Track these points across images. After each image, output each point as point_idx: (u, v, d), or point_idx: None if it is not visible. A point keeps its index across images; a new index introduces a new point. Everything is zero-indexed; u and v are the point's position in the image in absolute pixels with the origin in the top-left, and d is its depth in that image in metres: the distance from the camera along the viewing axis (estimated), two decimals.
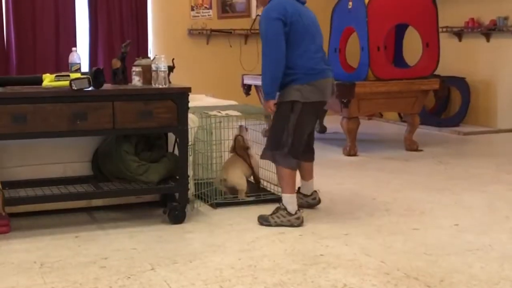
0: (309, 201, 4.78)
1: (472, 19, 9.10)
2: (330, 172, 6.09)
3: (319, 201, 4.82)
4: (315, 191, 4.82)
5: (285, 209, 4.34)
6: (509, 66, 8.76)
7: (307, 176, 4.77)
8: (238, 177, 4.98)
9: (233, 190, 5.02)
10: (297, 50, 4.31)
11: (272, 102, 4.35)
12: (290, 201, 4.35)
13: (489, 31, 8.90)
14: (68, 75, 4.25)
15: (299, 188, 4.75)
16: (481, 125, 9.08)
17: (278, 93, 4.38)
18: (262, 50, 4.40)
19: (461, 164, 6.58)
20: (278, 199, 4.98)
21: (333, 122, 8.33)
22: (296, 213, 4.34)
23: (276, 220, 4.33)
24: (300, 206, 4.50)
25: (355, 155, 7.03)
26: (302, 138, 4.38)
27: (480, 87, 9.15)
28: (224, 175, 4.97)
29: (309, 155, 4.68)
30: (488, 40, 9.02)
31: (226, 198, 4.91)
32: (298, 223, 4.31)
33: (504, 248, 3.89)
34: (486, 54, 9.06)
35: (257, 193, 5.06)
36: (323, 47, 4.54)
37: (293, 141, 4.30)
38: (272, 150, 4.39)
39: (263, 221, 4.36)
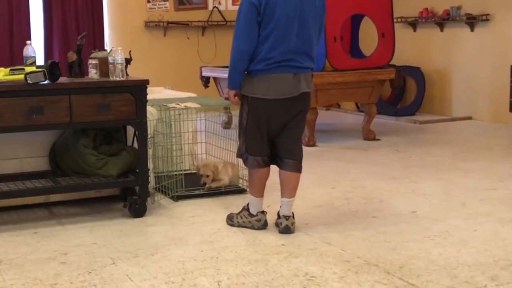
0: (277, 224, 4.10)
1: (426, 9, 9.23)
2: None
3: (284, 229, 4.01)
4: (285, 216, 4.04)
5: (248, 209, 4.13)
6: (463, 55, 8.92)
7: (282, 189, 4.09)
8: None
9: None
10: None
11: (232, 93, 4.00)
12: (252, 202, 4.10)
13: (443, 20, 9.04)
14: (23, 69, 4.18)
15: None
16: (436, 114, 9.23)
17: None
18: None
19: (418, 152, 6.68)
20: (239, 191, 5.01)
21: None
22: (257, 214, 4.09)
23: (238, 220, 4.14)
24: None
25: (314, 145, 7.08)
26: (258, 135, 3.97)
27: (435, 76, 9.30)
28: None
29: (280, 162, 4.05)
30: (442, 30, 9.16)
31: (188, 190, 4.89)
32: (258, 225, 4.07)
33: (461, 234, 3.97)
34: (440, 43, 9.20)
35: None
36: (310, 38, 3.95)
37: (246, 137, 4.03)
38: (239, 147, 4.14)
39: (229, 219, 4.21)
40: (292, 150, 4.04)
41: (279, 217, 4.10)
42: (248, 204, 4.14)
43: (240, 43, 3.86)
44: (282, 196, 4.09)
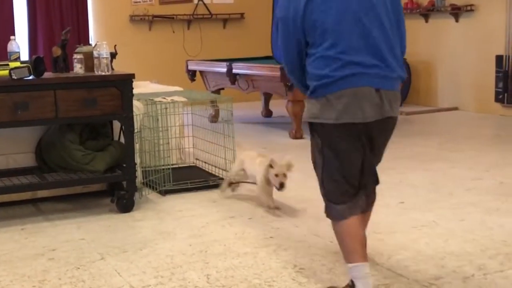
0: None
1: (411, 0, 9.25)
2: (277, 156, 6.10)
3: None
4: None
5: (353, 286, 2.85)
6: (447, 46, 8.95)
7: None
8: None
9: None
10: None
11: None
12: (355, 274, 2.82)
13: (427, 11, 9.06)
14: (7, 64, 4.15)
15: None
16: (422, 105, 9.27)
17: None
18: None
19: (405, 143, 6.70)
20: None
21: (278, 106, 8.36)
22: None
23: None
24: None
25: (301, 138, 7.08)
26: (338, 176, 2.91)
27: (420, 67, 9.33)
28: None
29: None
30: (426, 21, 9.18)
31: (175, 185, 4.88)
32: None
33: (448, 224, 4.00)
34: (425, 34, 9.23)
35: (205, 178, 5.06)
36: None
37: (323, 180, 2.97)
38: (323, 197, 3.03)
39: None
40: (371, 196, 3.15)
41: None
42: (351, 281, 2.88)
43: (284, 57, 2.94)
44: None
